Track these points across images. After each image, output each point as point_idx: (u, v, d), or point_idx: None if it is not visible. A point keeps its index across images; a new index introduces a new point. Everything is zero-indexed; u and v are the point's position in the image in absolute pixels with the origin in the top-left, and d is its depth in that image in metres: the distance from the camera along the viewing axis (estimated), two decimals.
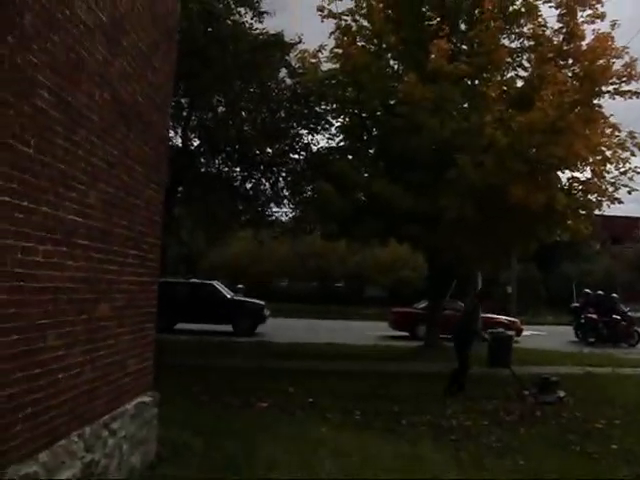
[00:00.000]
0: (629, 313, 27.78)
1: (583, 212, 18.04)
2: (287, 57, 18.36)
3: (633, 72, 16.44)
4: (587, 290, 30.45)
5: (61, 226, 4.65)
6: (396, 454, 8.30)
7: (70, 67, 4.68)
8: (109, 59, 5.42)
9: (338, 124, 19.57)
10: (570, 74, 16.96)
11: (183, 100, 18.07)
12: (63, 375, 4.81)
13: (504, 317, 27.95)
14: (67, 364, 4.87)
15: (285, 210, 21.61)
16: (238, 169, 20.05)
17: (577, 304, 30.01)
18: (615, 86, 16.71)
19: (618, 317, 27.00)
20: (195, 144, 19.24)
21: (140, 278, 6.58)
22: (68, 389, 4.93)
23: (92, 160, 5.15)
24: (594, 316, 27.05)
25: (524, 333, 27.22)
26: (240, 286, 38.82)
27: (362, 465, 7.58)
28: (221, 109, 18.52)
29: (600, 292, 29.76)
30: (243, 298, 27.88)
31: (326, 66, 18.77)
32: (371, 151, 19.70)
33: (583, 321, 27.32)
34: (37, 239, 4.29)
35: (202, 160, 19.65)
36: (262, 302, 26.61)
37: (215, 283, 27.81)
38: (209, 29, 15.97)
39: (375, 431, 9.80)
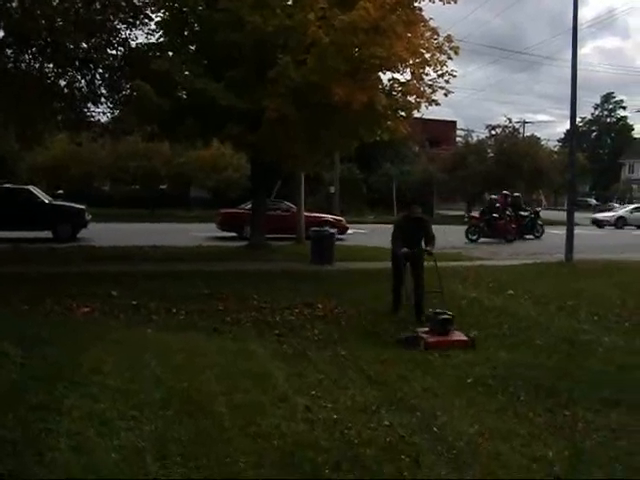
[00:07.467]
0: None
1: (402, 113, 18.54)
2: None
3: None
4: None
5: None
6: (221, 350, 8.45)
7: None
8: None
9: (158, 19, 18.68)
10: None
11: None
12: None
13: (330, 216, 28.81)
14: None
15: (103, 110, 20.60)
16: (51, 65, 18.73)
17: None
18: None
19: (496, 215, 29.10)
20: (0, 36, 17.66)
21: None
22: None
23: None
24: (475, 214, 30.61)
25: (348, 231, 28.18)
26: (60, 191, 37.22)
27: (187, 362, 7.66)
28: None
29: (493, 196, 31.92)
30: (62, 202, 26.75)
31: None
32: (192, 48, 19.06)
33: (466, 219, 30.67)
34: None
35: (9, 54, 18.15)
36: (82, 206, 25.67)
37: (31, 188, 26.40)
38: None
39: (200, 330, 9.90)
